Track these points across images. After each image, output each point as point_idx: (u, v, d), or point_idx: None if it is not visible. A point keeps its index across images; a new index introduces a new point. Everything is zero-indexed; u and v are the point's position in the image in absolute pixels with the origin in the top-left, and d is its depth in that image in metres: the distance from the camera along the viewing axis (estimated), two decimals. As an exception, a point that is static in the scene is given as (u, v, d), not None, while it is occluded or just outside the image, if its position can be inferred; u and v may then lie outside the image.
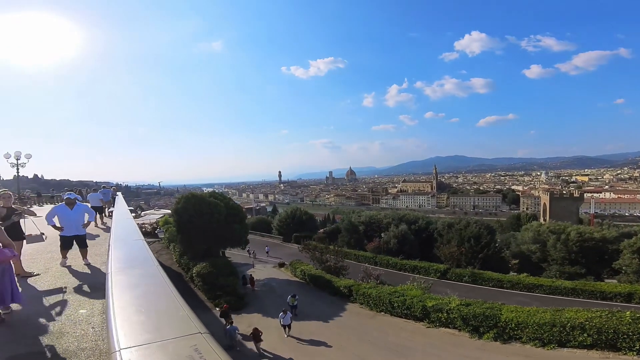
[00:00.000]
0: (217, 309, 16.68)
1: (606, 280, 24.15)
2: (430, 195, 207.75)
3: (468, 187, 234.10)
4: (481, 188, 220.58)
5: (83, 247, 6.96)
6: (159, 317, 2.33)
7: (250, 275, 23.34)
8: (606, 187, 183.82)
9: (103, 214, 13.96)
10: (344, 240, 39.33)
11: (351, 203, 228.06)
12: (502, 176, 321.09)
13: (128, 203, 23.24)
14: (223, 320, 14.10)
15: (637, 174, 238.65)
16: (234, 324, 13.34)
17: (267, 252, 35.10)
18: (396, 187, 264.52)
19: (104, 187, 19.90)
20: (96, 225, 11.94)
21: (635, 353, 9.83)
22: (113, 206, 14.54)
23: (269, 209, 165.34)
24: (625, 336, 10.11)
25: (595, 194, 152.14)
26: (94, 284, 5.17)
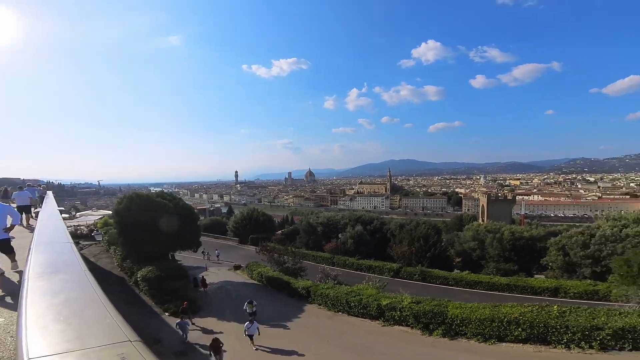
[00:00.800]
0: (167, 313, 16.50)
1: (535, 276, 26.67)
2: (384, 197, 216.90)
3: (418, 190, 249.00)
4: (429, 190, 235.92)
5: (9, 253, 6.11)
6: (82, 325, 2.10)
7: (202, 277, 22.63)
8: (535, 190, 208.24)
9: (30, 215, 12.32)
10: (302, 242, 39.30)
11: (310, 204, 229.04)
12: (448, 179, 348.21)
13: (61, 203, 20.80)
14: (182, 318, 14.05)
15: (561, 179, 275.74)
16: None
17: (217, 256, 33.68)
18: (353, 189, 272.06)
19: (29, 185, 17.72)
20: (25, 226, 10.70)
21: (563, 346, 10.58)
22: (40, 206, 12.91)
23: (224, 210, 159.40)
24: (554, 330, 10.76)
25: (525, 197, 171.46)
26: (16, 292, 4.51)
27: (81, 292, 2.83)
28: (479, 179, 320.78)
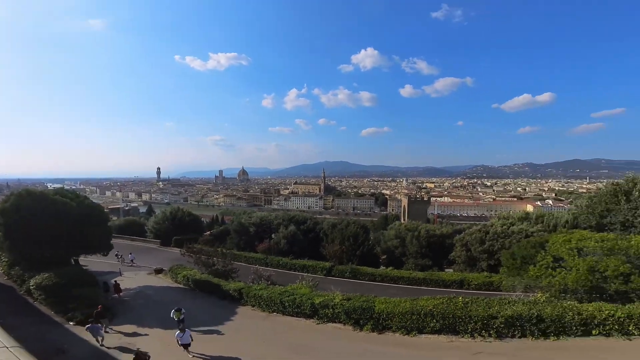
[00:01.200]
0: (71, 322, 15.16)
1: (446, 270, 29.94)
2: (318, 197, 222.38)
3: (350, 191, 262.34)
4: (360, 192, 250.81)
5: None
6: None
7: (115, 282, 20.50)
8: (445, 193, 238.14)
9: None
10: (233, 243, 37.68)
11: (242, 204, 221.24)
12: (376, 181, 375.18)
13: None
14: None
15: (466, 183, 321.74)
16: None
17: (132, 260, 30.55)
18: (288, 189, 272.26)
19: None
20: None
21: (469, 335, 11.41)
22: None
23: (143, 209, 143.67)
24: (460, 320, 11.57)
25: (438, 198, 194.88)
26: None
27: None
28: (402, 181, 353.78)
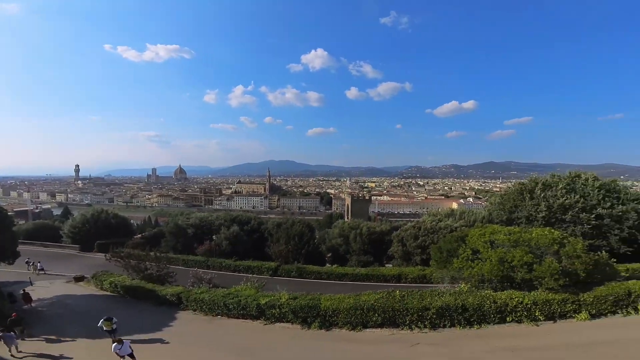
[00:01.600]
0: None
1: (386, 265, 31.27)
2: (263, 197, 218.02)
3: (295, 190, 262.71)
4: (305, 191, 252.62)
5: None
6: None
7: (24, 291, 18.25)
8: (385, 192, 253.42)
9: None
10: (169, 245, 34.91)
11: (179, 204, 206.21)
12: (321, 181, 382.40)
13: None
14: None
15: (402, 182, 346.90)
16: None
17: (40, 269, 27.55)
18: (231, 188, 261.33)
19: None
20: None
21: (407, 327, 12.02)
22: None
23: (58, 212, 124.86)
24: (399, 313, 12.06)
25: (378, 197, 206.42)
26: None
27: None
28: (346, 181, 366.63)
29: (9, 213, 23.21)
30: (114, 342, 10.65)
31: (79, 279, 23.99)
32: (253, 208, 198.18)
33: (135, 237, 39.91)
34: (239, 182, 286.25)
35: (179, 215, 49.76)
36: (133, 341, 11.59)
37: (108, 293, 20.32)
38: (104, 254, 27.48)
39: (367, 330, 12.45)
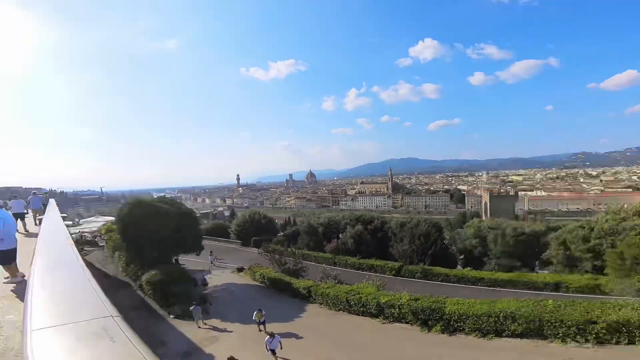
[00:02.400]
0: (172, 316, 16.99)
1: (539, 271, 26.62)
2: (386, 196, 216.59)
3: (420, 188, 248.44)
4: (431, 188, 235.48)
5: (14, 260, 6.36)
6: (74, 306, 2.79)
7: (204, 278, 23.09)
8: (538, 185, 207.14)
9: (24, 222, 12.81)
10: (303, 243, 39.38)
11: (312, 205, 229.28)
12: (450, 177, 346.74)
13: (64, 211, 21.37)
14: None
15: (564, 174, 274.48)
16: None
17: (213, 261, 32.35)
18: (354, 189, 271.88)
19: (34, 193, 18.19)
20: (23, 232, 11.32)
21: (560, 340, 10.66)
22: (44, 213, 13.36)
23: (227, 213, 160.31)
24: (549, 324, 10.85)
25: (528, 192, 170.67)
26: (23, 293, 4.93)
27: (77, 282, 3.58)
28: (481, 175, 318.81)
29: (196, 215, 31.46)
30: (267, 335, 11.77)
31: (240, 270, 28.42)
32: (376, 207, 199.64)
33: (278, 234, 46.99)
34: (362, 182, 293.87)
35: (311, 216, 55.62)
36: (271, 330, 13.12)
37: (258, 283, 24.03)
38: (257, 249, 33.71)
39: (502, 339, 11.11)
